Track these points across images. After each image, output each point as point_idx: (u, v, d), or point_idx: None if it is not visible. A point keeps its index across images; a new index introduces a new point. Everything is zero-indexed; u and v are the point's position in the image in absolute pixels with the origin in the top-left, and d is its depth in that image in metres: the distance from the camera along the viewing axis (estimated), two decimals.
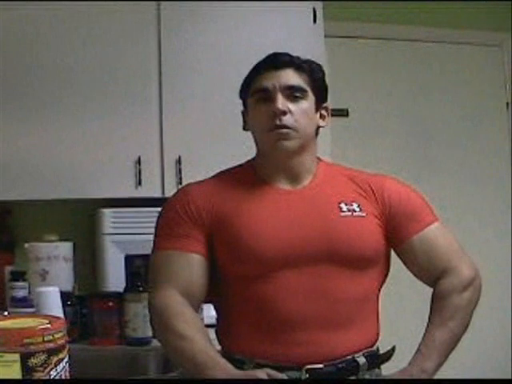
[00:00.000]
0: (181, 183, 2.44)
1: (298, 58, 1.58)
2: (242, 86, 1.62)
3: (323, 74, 1.61)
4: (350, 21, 3.17)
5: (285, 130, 1.51)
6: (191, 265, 1.50)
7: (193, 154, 2.50)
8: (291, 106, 1.52)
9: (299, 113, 1.52)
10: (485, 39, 3.44)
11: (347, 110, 3.11)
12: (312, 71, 1.57)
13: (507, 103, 3.48)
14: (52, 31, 2.42)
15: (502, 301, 3.21)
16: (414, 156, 3.29)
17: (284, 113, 1.50)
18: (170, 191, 2.43)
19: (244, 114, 1.64)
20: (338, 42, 2.97)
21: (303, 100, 1.54)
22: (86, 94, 2.43)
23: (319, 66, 1.60)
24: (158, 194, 2.48)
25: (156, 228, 1.59)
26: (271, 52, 1.62)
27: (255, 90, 1.56)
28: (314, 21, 2.66)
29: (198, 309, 1.53)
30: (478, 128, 3.41)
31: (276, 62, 1.55)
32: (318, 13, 2.66)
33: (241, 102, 1.64)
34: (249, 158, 1.67)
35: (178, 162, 2.48)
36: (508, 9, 3.29)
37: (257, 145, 1.62)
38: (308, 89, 1.56)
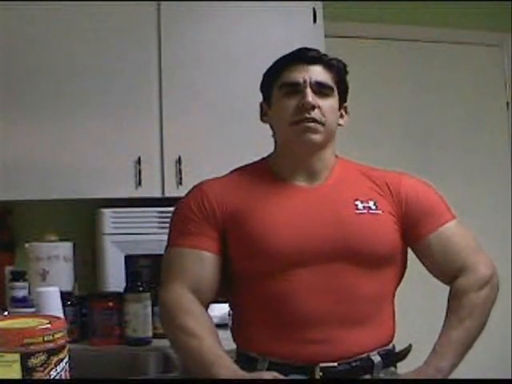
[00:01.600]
0: (181, 183, 2.44)
1: (326, 55, 1.59)
2: (266, 77, 1.62)
3: (347, 73, 1.61)
4: (350, 21, 3.17)
5: (313, 124, 1.51)
6: (202, 262, 1.51)
7: (193, 154, 2.50)
8: (320, 102, 1.53)
9: (327, 108, 1.54)
10: (485, 39, 3.44)
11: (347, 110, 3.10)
12: (339, 70, 1.59)
13: (507, 103, 3.47)
14: (52, 31, 2.42)
15: (503, 301, 3.20)
16: (414, 155, 3.29)
17: (313, 107, 1.51)
18: (170, 191, 2.46)
19: (262, 105, 1.64)
20: (338, 42, 2.96)
21: (330, 97, 1.56)
22: (86, 94, 2.43)
23: (345, 66, 1.61)
24: (158, 194, 2.48)
25: (170, 225, 1.60)
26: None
27: (284, 84, 1.55)
28: (314, 21, 2.66)
29: (206, 306, 1.52)
30: (478, 128, 3.41)
31: (307, 56, 1.56)
32: (317, 13, 2.66)
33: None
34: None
35: (178, 162, 2.48)
36: (508, 9, 3.29)
37: (275, 140, 1.62)
38: (334, 87, 1.57)
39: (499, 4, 3.31)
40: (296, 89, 1.53)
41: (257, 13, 2.62)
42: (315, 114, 1.51)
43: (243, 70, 2.56)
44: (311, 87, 1.52)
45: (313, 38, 2.61)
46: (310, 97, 1.51)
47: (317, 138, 1.53)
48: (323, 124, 1.52)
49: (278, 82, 1.57)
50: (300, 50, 1.59)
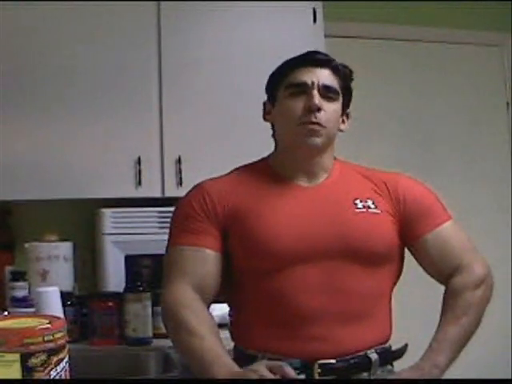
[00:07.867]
0: (181, 183, 2.44)
1: (334, 59, 1.59)
2: (273, 77, 1.62)
3: (352, 80, 1.63)
4: (350, 21, 3.17)
5: (317, 127, 1.52)
6: (205, 260, 1.51)
7: (193, 154, 2.50)
8: (325, 105, 1.53)
9: (331, 112, 1.55)
10: (485, 39, 3.44)
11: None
12: (345, 75, 1.60)
13: (507, 103, 3.47)
14: (52, 31, 2.42)
15: (503, 301, 3.21)
16: (414, 156, 3.29)
17: (319, 109, 1.52)
18: (170, 191, 2.46)
19: (266, 104, 1.64)
20: (338, 42, 2.97)
21: (335, 101, 1.57)
22: (87, 94, 2.43)
23: (351, 72, 1.62)
24: (157, 194, 2.48)
25: (171, 224, 1.60)
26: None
27: (292, 84, 1.56)
28: (314, 21, 2.66)
29: (208, 305, 1.53)
30: (478, 128, 3.41)
31: (315, 59, 1.57)
32: (317, 13, 2.66)
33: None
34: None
35: (178, 161, 2.48)
36: (508, 9, 3.29)
37: (276, 140, 1.63)
38: (340, 92, 1.58)
39: (499, 4, 3.31)
40: (303, 89, 1.54)
41: (257, 13, 2.62)
42: (320, 117, 1.52)
43: (243, 69, 2.56)
44: (318, 90, 1.53)
45: (313, 37, 2.61)
46: (317, 99, 1.52)
47: (318, 141, 1.54)
48: (326, 127, 1.54)
49: (284, 82, 1.57)
50: (309, 52, 1.60)
